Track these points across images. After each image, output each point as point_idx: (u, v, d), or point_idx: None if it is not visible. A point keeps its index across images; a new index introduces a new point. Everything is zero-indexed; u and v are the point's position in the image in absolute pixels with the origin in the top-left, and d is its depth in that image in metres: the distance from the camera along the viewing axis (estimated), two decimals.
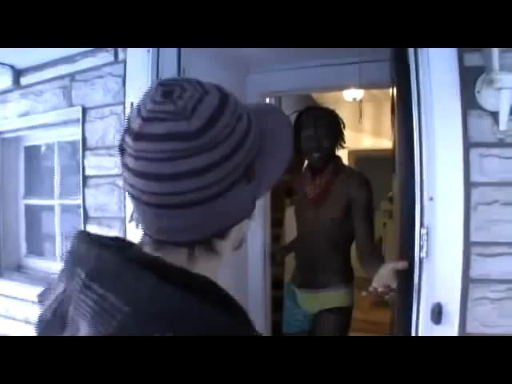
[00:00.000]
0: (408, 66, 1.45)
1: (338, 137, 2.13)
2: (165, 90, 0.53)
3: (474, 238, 1.39)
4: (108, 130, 2.04)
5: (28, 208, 2.77)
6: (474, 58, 1.38)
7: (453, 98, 1.39)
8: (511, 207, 1.37)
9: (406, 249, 1.47)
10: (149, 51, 1.78)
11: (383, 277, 1.58)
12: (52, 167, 2.58)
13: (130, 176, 0.53)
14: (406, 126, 1.46)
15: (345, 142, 2.18)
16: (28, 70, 2.44)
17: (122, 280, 0.50)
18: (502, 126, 1.33)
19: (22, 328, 2.36)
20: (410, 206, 1.44)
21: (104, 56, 2.05)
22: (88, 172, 2.13)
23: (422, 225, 1.40)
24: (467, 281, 1.38)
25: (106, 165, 2.05)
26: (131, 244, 0.60)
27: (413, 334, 1.41)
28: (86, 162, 2.13)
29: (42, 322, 0.57)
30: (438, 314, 1.36)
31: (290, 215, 2.92)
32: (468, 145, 1.39)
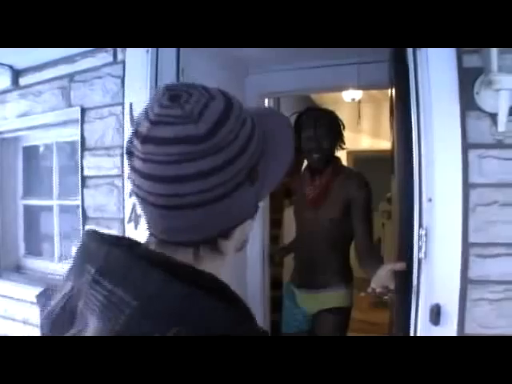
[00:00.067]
0: (407, 67, 1.45)
1: (337, 138, 2.14)
2: (172, 94, 0.54)
3: (472, 239, 1.39)
4: (107, 130, 2.04)
5: (26, 208, 2.76)
6: (472, 60, 1.38)
7: (451, 99, 1.39)
8: (510, 208, 1.37)
9: (405, 250, 1.48)
10: (148, 52, 1.78)
11: (381, 277, 1.59)
12: (51, 167, 2.57)
13: (138, 178, 0.54)
14: (404, 126, 1.47)
15: (344, 143, 2.18)
16: (27, 70, 2.44)
17: (131, 276, 0.52)
18: (501, 127, 1.33)
19: (21, 329, 2.35)
20: (408, 207, 1.44)
21: (103, 56, 2.05)
22: (87, 172, 2.13)
23: (420, 226, 1.40)
24: (466, 282, 1.39)
25: (104, 165, 2.04)
26: (139, 243, 0.61)
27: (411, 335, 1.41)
28: (84, 163, 2.13)
29: (50, 318, 0.58)
30: (436, 314, 1.36)
31: (288, 216, 2.92)
32: (467, 146, 1.39)
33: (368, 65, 2.29)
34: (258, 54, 2.20)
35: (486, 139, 1.39)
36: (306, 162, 2.21)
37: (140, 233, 1.74)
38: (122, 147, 1.92)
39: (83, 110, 2.14)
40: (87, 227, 2.10)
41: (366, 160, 5.28)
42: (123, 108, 1.92)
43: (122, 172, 1.94)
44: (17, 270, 2.71)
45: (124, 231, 1.91)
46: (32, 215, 2.78)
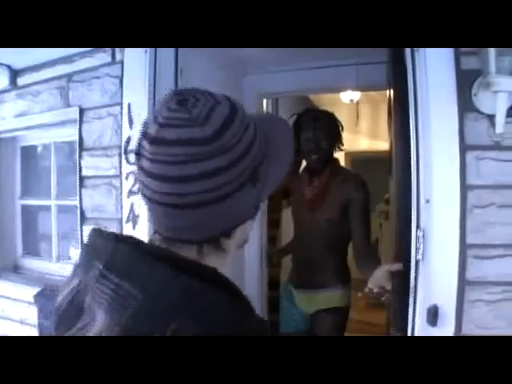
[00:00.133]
0: (405, 68, 1.45)
1: (336, 139, 2.14)
2: (179, 98, 0.57)
3: (470, 240, 1.39)
4: (105, 130, 2.03)
5: (24, 208, 2.76)
6: (470, 61, 1.39)
7: (449, 101, 1.39)
8: (507, 210, 1.38)
9: (403, 251, 1.48)
10: (146, 52, 1.78)
11: (378, 278, 1.59)
12: (49, 167, 2.57)
13: (145, 177, 0.57)
14: (402, 128, 1.47)
15: (343, 145, 2.19)
16: (25, 70, 2.43)
17: (138, 270, 0.54)
18: (499, 128, 1.33)
19: (18, 329, 2.34)
20: (406, 208, 1.44)
21: (101, 57, 2.05)
22: (85, 172, 2.13)
23: (418, 227, 1.40)
24: (463, 283, 1.39)
25: (102, 165, 2.04)
26: (144, 241, 0.63)
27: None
28: (82, 163, 2.13)
29: (57, 312, 0.60)
30: (434, 315, 1.37)
31: (286, 216, 2.92)
32: (464, 147, 1.40)
33: (366, 66, 2.30)
34: (257, 54, 2.20)
35: (484, 141, 1.40)
36: (304, 163, 2.22)
37: (138, 233, 1.74)
38: (120, 147, 1.92)
39: (81, 110, 2.13)
40: (86, 227, 2.10)
41: (363, 161, 5.27)
42: (121, 108, 1.92)
43: (120, 172, 1.94)
44: (14, 270, 2.70)
45: (122, 231, 1.91)
46: (30, 215, 2.78)
